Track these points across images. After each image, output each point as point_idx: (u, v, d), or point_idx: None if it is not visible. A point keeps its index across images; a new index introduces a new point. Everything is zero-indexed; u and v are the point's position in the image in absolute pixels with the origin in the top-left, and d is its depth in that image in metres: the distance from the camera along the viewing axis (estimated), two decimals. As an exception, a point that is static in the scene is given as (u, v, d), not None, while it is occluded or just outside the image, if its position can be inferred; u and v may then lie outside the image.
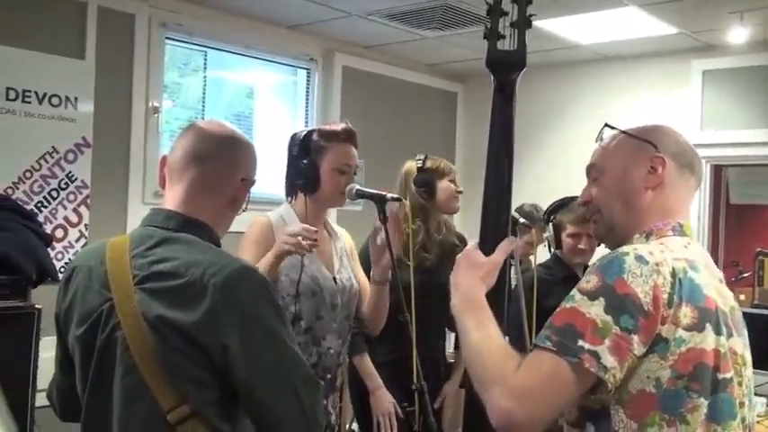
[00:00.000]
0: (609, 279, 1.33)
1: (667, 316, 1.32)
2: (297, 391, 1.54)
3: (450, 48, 5.06)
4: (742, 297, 5.65)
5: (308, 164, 2.42)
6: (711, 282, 1.43)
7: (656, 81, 5.09)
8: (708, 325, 1.36)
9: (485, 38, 1.64)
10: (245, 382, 1.51)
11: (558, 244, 3.16)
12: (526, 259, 3.58)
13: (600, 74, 5.34)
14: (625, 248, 1.40)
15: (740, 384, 1.43)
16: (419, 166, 3.08)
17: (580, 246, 3.11)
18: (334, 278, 2.48)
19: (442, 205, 3.10)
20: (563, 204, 3.17)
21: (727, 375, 1.38)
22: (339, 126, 2.53)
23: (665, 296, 1.32)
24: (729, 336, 1.41)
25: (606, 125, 1.61)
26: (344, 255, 2.59)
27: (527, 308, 2.61)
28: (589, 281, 1.36)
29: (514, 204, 3.63)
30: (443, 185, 3.09)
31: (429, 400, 2.25)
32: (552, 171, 5.14)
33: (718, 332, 1.37)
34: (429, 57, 5.49)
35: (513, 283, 2.68)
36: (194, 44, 4.55)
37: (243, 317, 1.50)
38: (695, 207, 4.84)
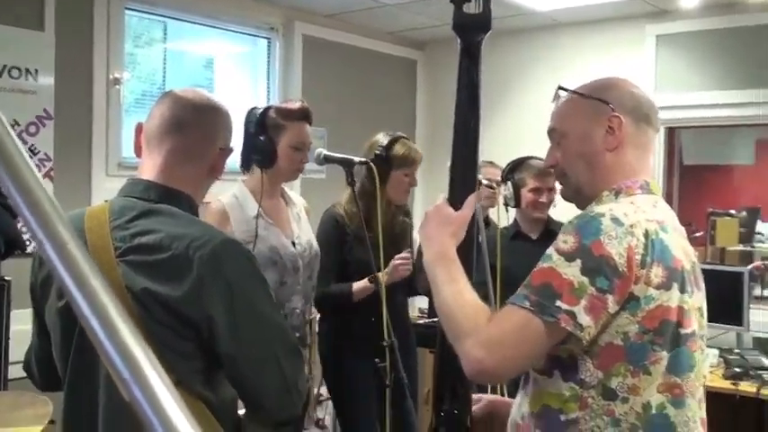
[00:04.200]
0: (586, 240, 1.38)
1: (640, 276, 1.38)
2: (279, 361, 1.58)
3: (409, 15, 5.08)
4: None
5: (265, 140, 2.53)
6: (678, 241, 1.48)
7: (611, 46, 5.18)
8: (674, 284, 1.42)
9: (452, 1, 1.71)
10: (229, 353, 1.53)
11: (518, 201, 3.24)
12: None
13: (557, 39, 5.41)
14: (601, 209, 1.44)
15: (699, 336, 1.49)
16: (378, 151, 3.04)
17: (541, 200, 3.21)
18: (293, 243, 2.61)
19: (390, 193, 3.03)
20: (521, 162, 3.26)
21: (689, 330, 1.45)
22: (296, 105, 2.64)
23: (639, 257, 1.38)
24: (692, 293, 1.47)
25: (560, 87, 1.64)
26: (301, 219, 2.73)
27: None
28: (566, 241, 1.41)
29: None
30: (396, 176, 3.04)
31: (399, 357, 2.35)
32: (511, 134, 5.23)
33: (682, 290, 1.43)
34: (389, 24, 5.51)
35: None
36: (154, 14, 4.52)
37: (228, 289, 1.52)
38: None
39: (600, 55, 5.17)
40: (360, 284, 2.85)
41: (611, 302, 1.37)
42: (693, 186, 7.29)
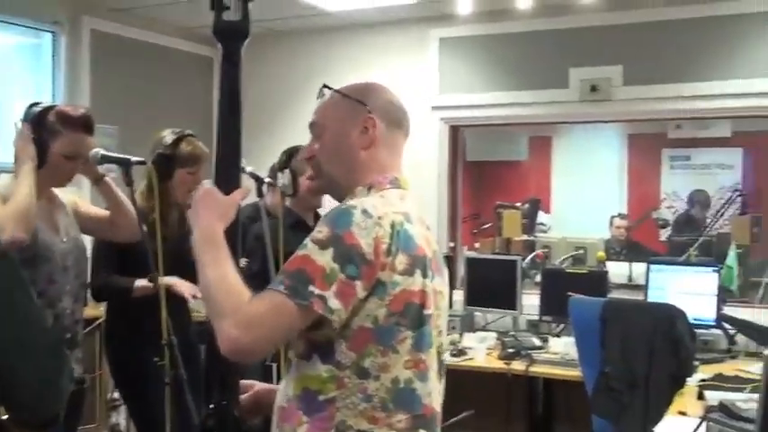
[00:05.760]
0: (338, 230, 1.50)
1: (386, 263, 1.51)
2: (36, 356, 1.58)
3: (204, 11, 4.98)
4: (477, 245, 6.23)
5: (37, 141, 2.45)
6: (421, 231, 1.63)
7: (399, 48, 5.41)
8: (417, 270, 1.56)
9: (211, 9, 1.77)
10: None
11: (296, 189, 3.28)
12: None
13: (349, 41, 5.57)
14: (353, 202, 1.56)
15: (438, 316, 1.66)
16: (161, 149, 3.05)
17: None
18: (63, 240, 2.59)
19: (174, 192, 3.06)
20: (296, 150, 3.30)
21: (430, 311, 1.60)
22: (78, 112, 2.58)
23: (385, 246, 1.51)
24: (433, 277, 1.63)
25: (324, 86, 1.76)
26: (69, 216, 2.68)
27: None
28: (321, 231, 1.51)
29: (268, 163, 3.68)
30: (180, 174, 3.06)
31: (179, 354, 2.38)
32: (307, 133, 5.34)
33: (424, 275, 1.58)
34: (183, 21, 5.45)
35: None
36: None
37: None
38: (436, 165, 5.28)
39: (390, 57, 5.40)
40: (142, 282, 2.84)
41: (360, 288, 1.50)
42: (480, 181, 7.78)
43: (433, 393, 1.62)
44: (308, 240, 1.52)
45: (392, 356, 1.54)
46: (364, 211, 1.52)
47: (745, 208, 6.39)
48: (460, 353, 4.19)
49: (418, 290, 1.56)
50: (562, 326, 4.53)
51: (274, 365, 2.76)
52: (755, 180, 7.06)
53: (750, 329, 3.89)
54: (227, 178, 1.71)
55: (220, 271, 1.56)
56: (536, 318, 4.70)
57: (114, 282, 2.99)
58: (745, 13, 4.51)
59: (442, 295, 1.69)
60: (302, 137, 5.14)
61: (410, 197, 1.70)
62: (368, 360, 1.53)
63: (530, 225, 7.06)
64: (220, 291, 1.54)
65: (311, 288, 1.47)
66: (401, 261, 1.53)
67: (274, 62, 5.67)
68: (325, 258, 1.48)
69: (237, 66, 1.76)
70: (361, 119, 1.68)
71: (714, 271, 4.32)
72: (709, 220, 6.98)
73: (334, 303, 1.47)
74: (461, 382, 3.74)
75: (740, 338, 4.12)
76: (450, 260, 4.98)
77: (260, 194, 2.97)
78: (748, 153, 7.67)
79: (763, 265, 4.90)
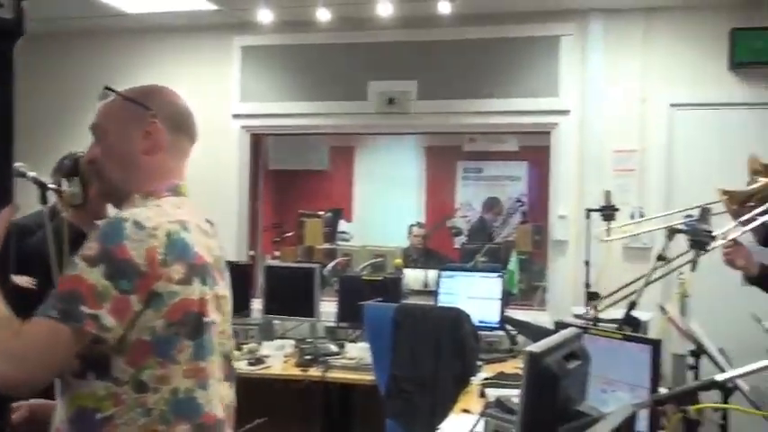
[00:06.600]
0: (109, 245, 1.45)
1: (162, 274, 1.48)
2: None
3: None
4: (277, 253, 6.25)
5: None
6: (200, 239, 1.60)
7: (203, 54, 5.34)
8: (195, 278, 1.54)
9: (-23, 5, 1.66)
10: None
11: (86, 198, 3.08)
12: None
13: (150, 44, 5.42)
14: (125, 214, 1.52)
15: (225, 321, 1.65)
16: None
17: None
18: None
19: None
20: (79, 157, 3.09)
21: (210, 318, 1.59)
22: None
23: (160, 257, 1.48)
24: (214, 285, 1.62)
25: (106, 88, 1.70)
26: None
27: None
28: (91, 247, 1.46)
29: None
30: None
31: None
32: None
33: (204, 283, 1.57)
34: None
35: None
36: None
37: None
38: (236, 173, 5.26)
39: (193, 63, 5.32)
40: None
41: (135, 302, 1.46)
42: (283, 190, 7.81)
43: (215, 400, 1.61)
44: (77, 258, 1.47)
45: (171, 367, 1.52)
46: (136, 223, 1.49)
47: (526, 217, 6.87)
48: (258, 361, 4.19)
49: (197, 298, 1.55)
50: (358, 331, 4.63)
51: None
52: (538, 191, 7.58)
53: (527, 330, 4.19)
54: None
55: None
56: (334, 324, 4.79)
57: None
58: (532, 36, 4.85)
59: (226, 299, 1.69)
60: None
61: (189, 204, 1.68)
62: (146, 373, 1.50)
63: (331, 234, 7.17)
64: None
65: (83, 308, 1.42)
66: (177, 270, 1.51)
67: (70, 62, 5.41)
68: (95, 276, 1.44)
69: (9, 67, 1.67)
70: (143, 123, 1.65)
71: (498, 276, 4.61)
72: (494, 229, 7.44)
73: (109, 321, 1.44)
74: (259, 391, 3.75)
75: (521, 338, 4.43)
76: (249, 269, 4.98)
77: (44, 201, 2.81)
78: (533, 166, 8.22)
79: (542, 271, 5.28)
